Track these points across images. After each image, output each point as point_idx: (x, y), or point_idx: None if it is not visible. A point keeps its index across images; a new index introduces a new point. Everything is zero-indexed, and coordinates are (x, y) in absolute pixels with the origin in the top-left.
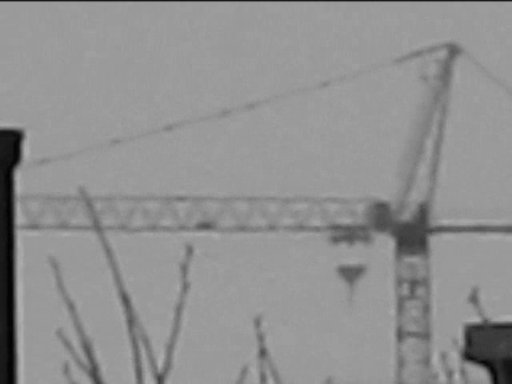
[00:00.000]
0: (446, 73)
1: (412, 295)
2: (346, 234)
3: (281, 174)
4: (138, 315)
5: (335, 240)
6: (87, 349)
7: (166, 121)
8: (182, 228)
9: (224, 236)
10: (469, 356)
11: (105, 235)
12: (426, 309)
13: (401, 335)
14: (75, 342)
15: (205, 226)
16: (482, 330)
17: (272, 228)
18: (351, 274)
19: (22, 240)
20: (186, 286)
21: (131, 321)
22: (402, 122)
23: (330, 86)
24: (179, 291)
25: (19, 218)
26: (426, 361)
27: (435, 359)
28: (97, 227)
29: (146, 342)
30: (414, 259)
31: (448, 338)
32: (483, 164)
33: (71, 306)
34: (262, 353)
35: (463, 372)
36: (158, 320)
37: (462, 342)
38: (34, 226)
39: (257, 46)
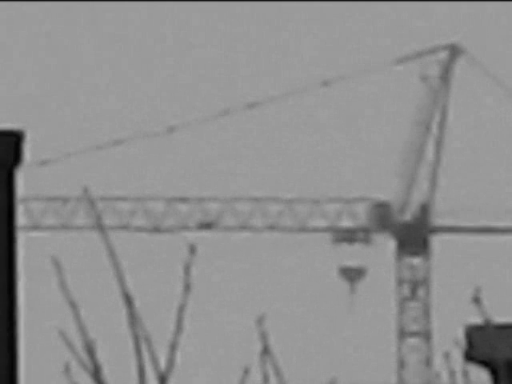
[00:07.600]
0: (446, 73)
1: (413, 296)
2: (348, 236)
3: (282, 174)
4: (140, 315)
5: (336, 241)
6: (89, 349)
7: (167, 121)
8: (184, 228)
9: (225, 236)
10: (469, 357)
11: (107, 235)
12: (427, 309)
13: (402, 336)
14: (77, 343)
15: (206, 226)
16: (483, 330)
17: (273, 228)
18: (352, 274)
19: (24, 241)
20: (188, 286)
21: (134, 321)
22: (402, 122)
23: (331, 86)
24: (181, 291)
25: (21, 219)
26: (427, 361)
27: (437, 360)
28: (99, 227)
29: (149, 341)
30: (415, 260)
31: (449, 339)
32: (484, 164)
33: (73, 307)
34: (265, 351)
35: (465, 373)
36: (161, 320)
37: (462, 343)
38: (35, 227)
39: (257, 46)
